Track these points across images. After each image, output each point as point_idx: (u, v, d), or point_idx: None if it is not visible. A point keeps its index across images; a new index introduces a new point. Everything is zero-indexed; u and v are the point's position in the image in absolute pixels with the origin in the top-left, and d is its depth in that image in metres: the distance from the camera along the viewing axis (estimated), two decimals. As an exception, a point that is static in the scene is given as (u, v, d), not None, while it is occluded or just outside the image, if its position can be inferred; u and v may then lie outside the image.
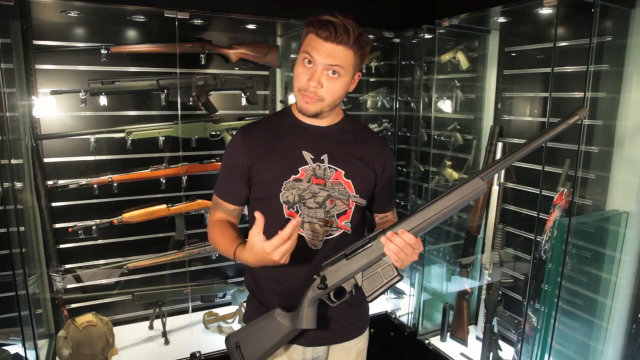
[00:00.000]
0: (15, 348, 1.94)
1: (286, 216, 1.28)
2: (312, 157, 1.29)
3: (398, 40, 2.65)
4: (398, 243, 1.11)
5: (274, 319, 1.26)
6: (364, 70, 2.80)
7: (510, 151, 1.11)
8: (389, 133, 2.84)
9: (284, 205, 1.28)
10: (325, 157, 1.30)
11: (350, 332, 1.40)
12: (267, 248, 1.12)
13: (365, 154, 1.34)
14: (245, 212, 1.42)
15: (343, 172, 1.30)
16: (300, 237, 1.28)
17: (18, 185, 1.95)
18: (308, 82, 1.21)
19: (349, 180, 1.30)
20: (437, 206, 1.12)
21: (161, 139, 2.26)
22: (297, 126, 1.33)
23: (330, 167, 1.29)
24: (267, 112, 2.59)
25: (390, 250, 1.12)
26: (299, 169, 1.28)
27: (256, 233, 1.13)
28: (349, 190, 1.30)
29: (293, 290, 1.29)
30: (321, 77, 1.20)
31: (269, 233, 1.32)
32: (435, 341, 2.41)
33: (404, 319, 2.60)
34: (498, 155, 2.27)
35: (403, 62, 2.74)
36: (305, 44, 1.23)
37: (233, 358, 1.30)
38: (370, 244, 1.16)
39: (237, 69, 2.47)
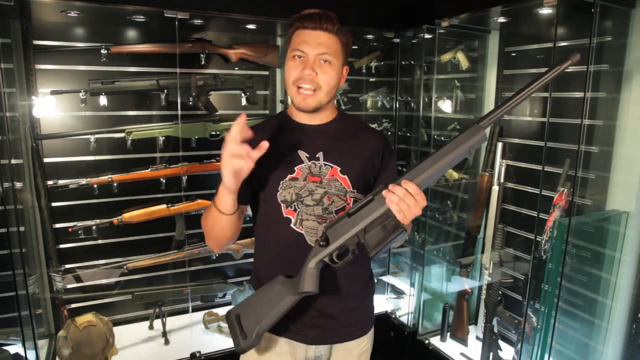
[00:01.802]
0: (15, 348, 1.94)
1: (284, 215, 1.29)
2: (308, 155, 1.31)
3: (398, 40, 2.66)
4: (399, 193, 1.09)
5: (275, 286, 1.23)
6: (364, 70, 2.80)
7: (508, 97, 1.10)
8: (389, 133, 2.84)
9: (281, 204, 1.29)
10: (320, 154, 1.31)
11: (353, 332, 1.40)
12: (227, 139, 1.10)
13: (361, 148, 1.35)
14: (249, 211, 1.42)
15: (339, 169, 1.31)
16: (299, 235, 1.29)
17: (18, 185, 1.95)
18: (302, 72, 1.23)
19: (345, 176, 1.31)
20: (437, 155, 1.10)
21: (161, 139, 2.26)
22: (292, 126, 1.35)
23: (325, 164, 1.30)
24: (267, 112, 2.59)
25: (392, 201, 1.10)
26: (295, 168, 1.29)
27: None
28: (345, 186, 1.31)
29: None
30: (314, 65, 1.24)
31: (269, 233, 1.33)
32: (435, 341, 2.41)
33: (404, 319, 2.60)
34: (498, 156, 2.27)
35: (403, 62, 2.74)
36: (293, 42, 1.27)
37: (232, 331, 1.24)
38: (372, 199, 1.15)
39: (237, 69, 2.47)
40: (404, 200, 1.09)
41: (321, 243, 1.18)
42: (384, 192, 1.12)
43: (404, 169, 2.86)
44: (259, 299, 1.23)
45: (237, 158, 1.10)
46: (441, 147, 1.11)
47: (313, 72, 1.23)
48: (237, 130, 1.11)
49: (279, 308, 1.21)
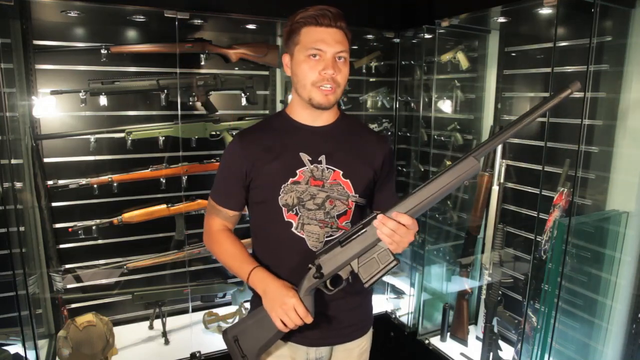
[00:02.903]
0: (15, 348, 1.94)
1: (286, 219, 1.28)
2: (310, 158, 1.29)
3: (398, 40, 2.66)
4: (391, 226, 1.09)
5: None
6: (364, 70, 2.80)
7: (502, 129, 1.09)
8: (389, 133, 2.83)
9: (283, 208, 1.27)
10: (322, 157, 1.29)
11: (353, 333, 1.39)
12: (295, 304, 1.18)
13: (363, 151, 1.34)
14: (246, 212, 1.42)
15: (341, 172, 1.29)
16: (300, 239, 1.28)
17: (18, 185, 1.95)
18: (323, 72, 1.21)
19: (348, 180, 1.29)
20: (431, 187, 1.11)
21: (161, 139, 2.26)
22: (294, 127, 1.32)
23: (328, 168, 1.29)
24: (267, 112, 2.59)
25: (384, 234, 1.10)
26: (297, 172, 1.27)
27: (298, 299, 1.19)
28: (348, 191, 1.29)
29: None
30: (334, 63, 1.22)
31: (269, 236, 1.33)
32: (435, 341, 2.41)
33: (404, 319, 2.60)
34: (498, 155, 2.27)
35: (403, 62, 2.74)
36: (304, 40, 1.23)
37: (231, 352, 1.29)
38: (364, 230, 1.15)
39: (237, 69, 2.46)
40: (396, 232, 1.10)
41: (315, 275, 1.19)
42: (375, 224, 1.12)
43: (404, 169, 2.86)
44: (256, 323, 1.26)
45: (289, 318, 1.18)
46: (435, 178, 1.11)
47: (336, 71, 1.22)
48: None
49: (276, 334, 1.24)
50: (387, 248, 1.14)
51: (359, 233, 1.16)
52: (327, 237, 1.29)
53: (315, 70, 1.22)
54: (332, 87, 1.23)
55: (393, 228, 1.09)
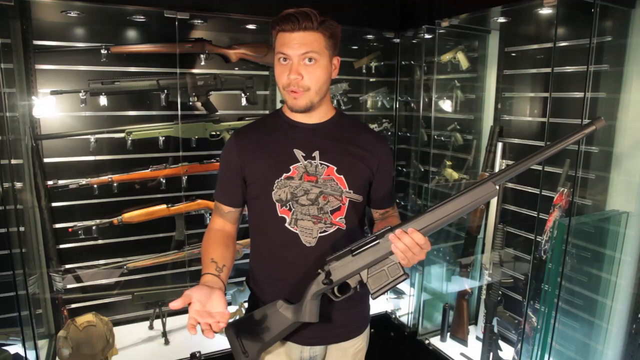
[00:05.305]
0: (15, 348, 1.94)
1: (279, 214, 1.28)
2: (304, 154, 1.29)
3: (398, 40, 2.66)
4: (407, 242, 1.11)
5: (276, 311, 1.25)
6: (364, 71, 2.80)
7: (523, 158, 1.11)
8: (389, 133, 2.84)
9: (276, 203, 1.28)
10: (316, 153, 1.30)
11: (348, 333, 1.40)
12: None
13: (358, 149, 1.34)
14: (245, 212, 1.42)
15: (335, 168, 1.30)
16: (293, 234, 1.29)
17: (18, 185, 1.95)
18: (289, 77, 1.23)
19: (342, 176, 1.30)
20: (447, 208, 1.12)
21: (161, 139, 2.26)
22: (288, 125, 1.34)
23: (322, 164, 1.29)
24: (267, 112, 2.59)
25: (398, 248, 1.12)
26: (291, 167, 1.28)
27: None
28: (341, 186, 1.30)
29: (290, 287, 1.29)
30: (299, 68, 1.22)
31: (264, 232, 1.34)
32: (435, 341, 2.41)
33: (404, 319, 2.60)
34: (498, 155, 2.27)
35: (403, 62, 2.74)
36: (276, 44, 1.27)
37: (233, 347, 1.29)
38: (377, 241, 1.16)
39: (237, 69, 2.47)
40: (410, 249, 1.11)
41: (324, 281, 1.19)
42: (391, 237, 1.13)
43: (404, 169, 2.86)
44: (260, 321, 1.27)
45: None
46: (452, 199, 1.12)
47: (299, 75, 1.22)
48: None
49: (279, 334, 1.25)
50: (398, 262, 1.15)
51: (372, 244, 1.17)
52: (320, 232, 1.29)
53: (284, 75, 1.24)
54: (299, 91, 1.23)
55: (408, 244, 1.11)
